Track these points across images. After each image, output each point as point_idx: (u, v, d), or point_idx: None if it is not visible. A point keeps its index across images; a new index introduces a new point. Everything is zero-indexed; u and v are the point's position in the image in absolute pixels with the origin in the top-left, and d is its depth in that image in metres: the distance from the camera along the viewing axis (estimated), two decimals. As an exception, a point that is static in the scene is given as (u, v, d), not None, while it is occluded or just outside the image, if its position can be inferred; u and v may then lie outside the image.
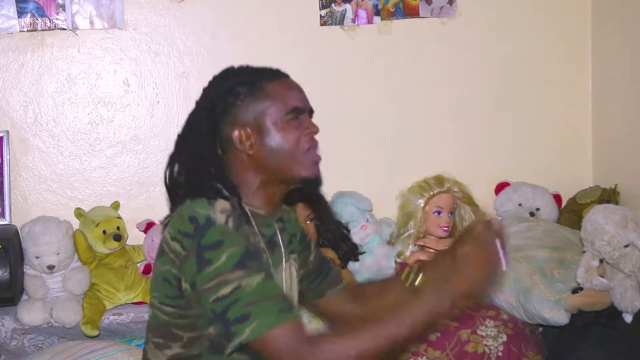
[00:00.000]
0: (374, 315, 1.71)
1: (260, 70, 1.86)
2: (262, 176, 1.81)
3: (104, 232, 3.04)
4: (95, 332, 2.90)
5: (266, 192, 1.82)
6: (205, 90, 1.86)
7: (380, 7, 3.30)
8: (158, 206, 3.22)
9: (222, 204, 1.71)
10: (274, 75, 1.84)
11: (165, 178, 1.86)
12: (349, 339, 1.61)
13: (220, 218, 1.67)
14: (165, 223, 1.80)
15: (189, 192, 1.76)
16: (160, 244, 1.76)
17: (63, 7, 3.10)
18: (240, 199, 1.76)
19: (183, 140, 1.85)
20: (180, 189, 1.81)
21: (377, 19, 3.31)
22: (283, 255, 1.87)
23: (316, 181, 1.84)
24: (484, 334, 2.76)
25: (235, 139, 1.79)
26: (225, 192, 1.75)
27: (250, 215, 1.76)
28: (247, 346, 1.61)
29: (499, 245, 1.75)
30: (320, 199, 2.98)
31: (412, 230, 3.10)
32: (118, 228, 3.06)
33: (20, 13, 3.07)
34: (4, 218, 3.05)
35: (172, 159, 1.86)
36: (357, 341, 1.61)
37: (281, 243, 1.87)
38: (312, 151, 1.82)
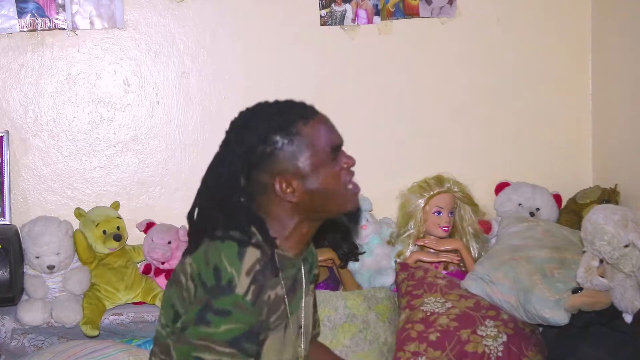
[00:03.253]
0: None
1: (291, 109, 1.80)
2: (302, 216, 1.78)
3: (104, 232, 3.04)
4: (95, 332, 2.90)
5: (301, 232, 1.80)
6: (232, 133, 1.79)
7: (380, 7, 3.30)
8: (158, 206, 3.23)
9: (251, 257, 1.68)
10: (306, 114, 1.79)
11: (190, 225, 1.82)
12: None
13: (242, 285, 1.65)
14: (187, 244, 1.80)
15: (218, 234, 1.73)
16: (178, 273, 1.75)
17: (63, 7, 3.10)
18: (274, 247, 1.74)
19: (210, 185, 1.80)
20: (206, 235, 1.77)
21: (377, 19, 3.31)
22: (304, 291, 1.87)
23: (357, 212, 1.85)
24: (484, 334, 2.76)
25: (277, 189, 1.75)
26: (259, 237, 1.73)
27: (278, 266, 1.74)
28: None
29: None
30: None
31: (412, 230, 3.10)
32: (118, 228, 3.07)
33: (20, 13, 3.07)
34: (4, 218, 3.05)
35: (199, 205, 1.81)
36: None
37: (303, 278, 1.86)
38: (352, 183, 1.81)
